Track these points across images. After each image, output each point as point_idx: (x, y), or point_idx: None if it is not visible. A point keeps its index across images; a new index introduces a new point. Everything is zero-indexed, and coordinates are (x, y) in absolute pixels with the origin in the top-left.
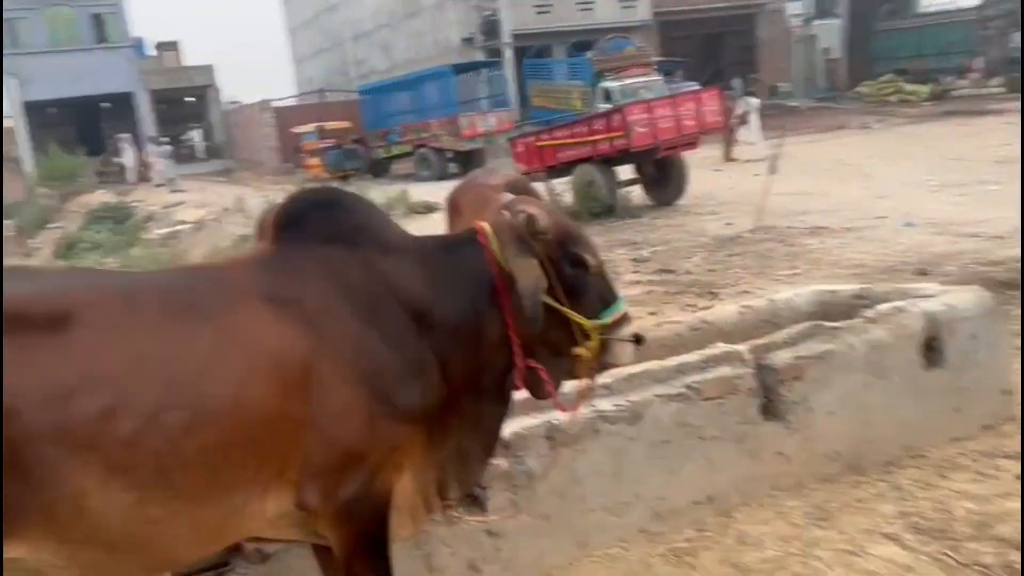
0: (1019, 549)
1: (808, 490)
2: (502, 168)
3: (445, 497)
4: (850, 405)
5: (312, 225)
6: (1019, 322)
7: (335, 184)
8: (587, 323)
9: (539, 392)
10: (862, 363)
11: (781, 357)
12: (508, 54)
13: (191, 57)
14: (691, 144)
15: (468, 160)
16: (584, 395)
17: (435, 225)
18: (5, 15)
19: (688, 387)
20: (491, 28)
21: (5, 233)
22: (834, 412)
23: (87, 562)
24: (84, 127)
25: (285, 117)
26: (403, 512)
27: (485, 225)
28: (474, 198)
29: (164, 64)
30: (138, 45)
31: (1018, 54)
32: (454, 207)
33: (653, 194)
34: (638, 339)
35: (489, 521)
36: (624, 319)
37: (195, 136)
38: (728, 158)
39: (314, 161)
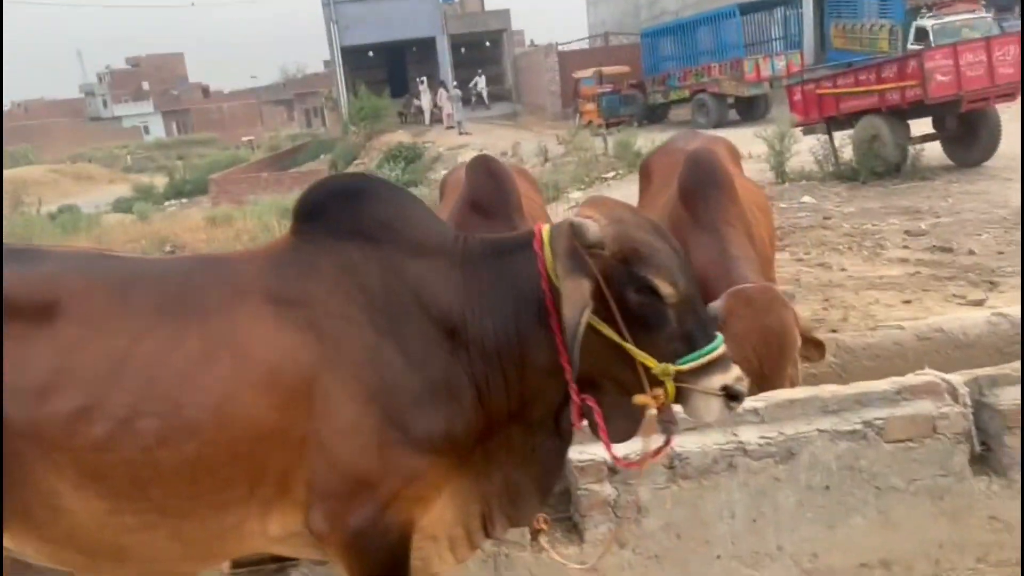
0: None
1: None
2: (782, 118)
3: (491, 534)
4: None
5: (332, 217)
6: None
7: (605, 128)
8: (655, 365)
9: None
10: None
11: (1011, 396)
12: None
13: (494, 2)
14: (1008, 95)
15: (750, 106)
16: (653, 453)
17: None
18: None
19: (867, 423)
20: None
21: (320, 166)
22: None
23: (69, 563)
24: (392, 70)
25: (568, 61)
26: (442, 543)
27: (545, 228)
28: (667, 164)
29: (466, 9)
30: None
31: None
32: (645, 173)
33: (955, 153)
34: (732, 395)
35: (584, 554)
36: (715, 366)
37: (480, 82)
38: None
39: (590, 107)
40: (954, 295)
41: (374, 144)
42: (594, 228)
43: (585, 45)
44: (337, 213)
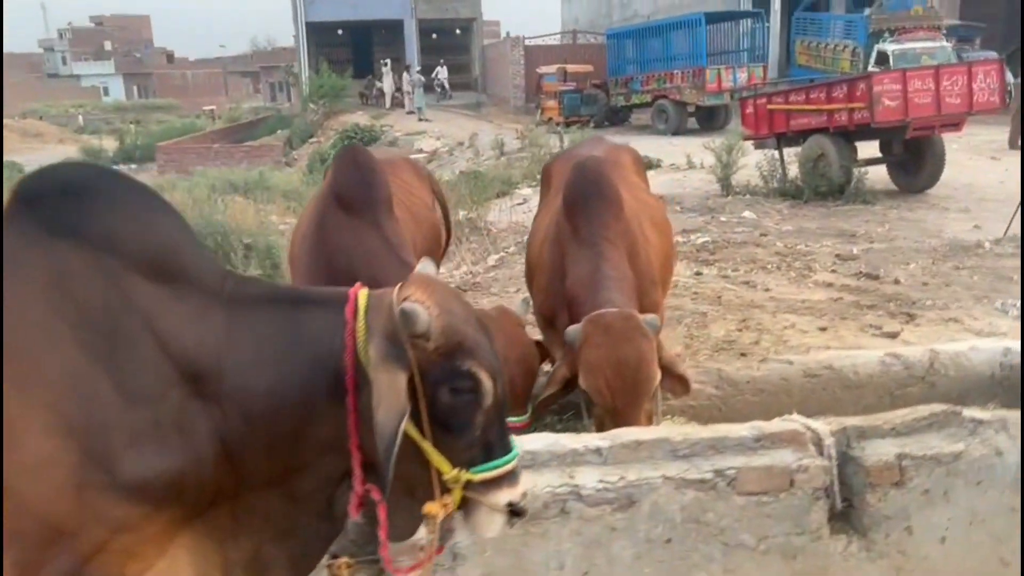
0: None
1: None
2: (739, 130)
3: None
4: (980, 533)
5: (55, 210)
6: None
7: (564, 126)
8: (449, 471)
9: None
10: (1012, 478)
11: (878, 451)
12: (777, 5)
13: None
14: (953, 125)
15: (710, 116)
16: (425, 562)
17: (653, 182)
18: None
19: (718, 472)
20: None
21: (275, 141)
22: (950, 539)
23: None
24: (358, 50)
25: (534, 56)
26: None
27: (361, 294)
28: (565, 170)
29: None
30: None
31: None
32: (546, 178)
33: (899, 178)
34: (515, 511)
35: None
36: (505, 479)
37: (441, 72)
38: (1015, 145)
39: (551, 103)
40: (871, 325)
41: (331, 124)
42: (425, 318)
43: (557, 40)
44: (62, 207)
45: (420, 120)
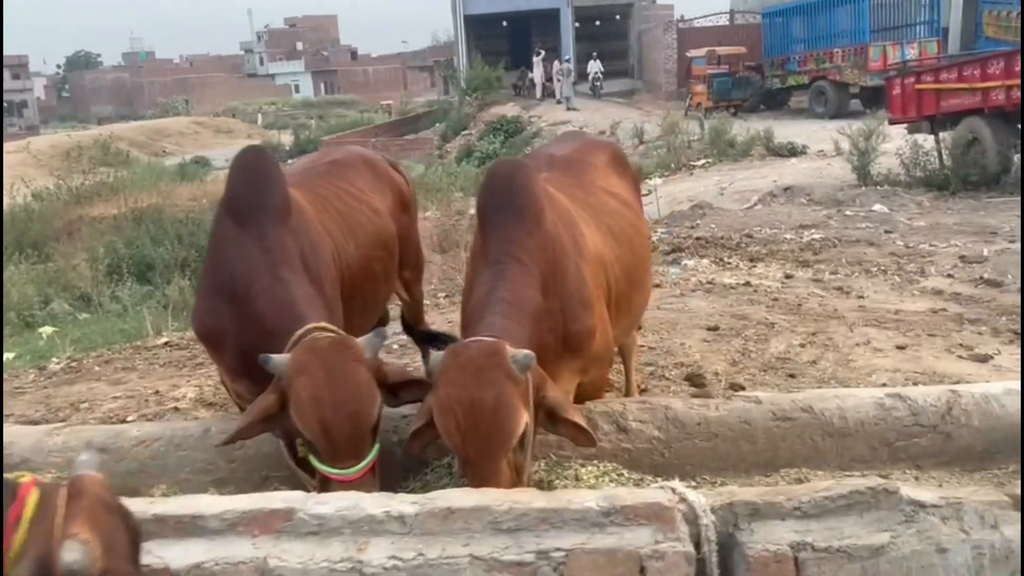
0: None
1: None
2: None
3: None
4: None
5: None
6: None
7: (709, 112)
8: None
9: None
10: None
11: (769, 536)
12: None
13: None
14: None
15: (874, 97)
16: None
17: (792, 171)
18: None
19: (542, 553)
20: None
21: (433, 135)
22: None
23: None
24: (515, 42)
25: (687, 39)
26: None
27: (32, 499)
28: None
29: None
30: None
31: None
32: None
33: None
34: None
35: None
36: None
37: (593, 65)
38: None
39: (700, 88)
40: (961, 345)
41: (483, 116)
42: (87, 565)
43: (719, 22)
44: None
45: (568, 109)
